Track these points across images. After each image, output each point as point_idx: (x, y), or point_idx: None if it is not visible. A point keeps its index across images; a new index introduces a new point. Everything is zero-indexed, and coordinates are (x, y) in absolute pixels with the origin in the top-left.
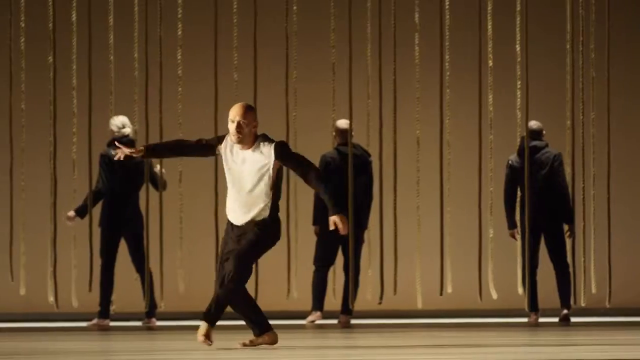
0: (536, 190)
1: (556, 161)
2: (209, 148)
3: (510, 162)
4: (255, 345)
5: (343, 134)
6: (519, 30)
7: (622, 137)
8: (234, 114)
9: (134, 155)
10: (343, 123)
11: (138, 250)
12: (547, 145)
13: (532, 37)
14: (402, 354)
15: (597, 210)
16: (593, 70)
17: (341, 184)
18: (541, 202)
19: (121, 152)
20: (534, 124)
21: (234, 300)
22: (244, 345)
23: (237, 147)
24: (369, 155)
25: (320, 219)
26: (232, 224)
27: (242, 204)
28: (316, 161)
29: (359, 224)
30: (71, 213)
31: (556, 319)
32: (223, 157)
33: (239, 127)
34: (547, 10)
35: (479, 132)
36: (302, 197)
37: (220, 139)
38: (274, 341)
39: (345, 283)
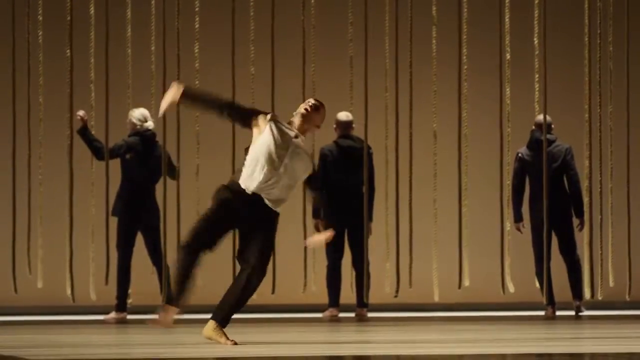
0: (547, 183)
1: (568, 154)
2: (252, 116)
3: (520, 154)
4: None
5: (343, 127)
6: (536, 24)
7: (639, 131)
8: (321, 119)
9: (174, 100)
10: (343, 115)
11: (155, 243)
12: (556, 139)
13: (550, 30)
14: (417, 348)
15: (614, 203)
16: (611, 64)
17: (340, 177)
18: (552, 195)
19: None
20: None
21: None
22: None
23: (291, 132)
24: (370, 147)
25: (319, 213)
26: (241, 193)
27: (277, 186)
28: (315, 154)
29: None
30: (83, 114)
31: (572, 312)
32: (270, 132)
33: (310, 109)
34: (565, 3)
35: (499, 125)
36: None
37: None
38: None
39: (357, 277)
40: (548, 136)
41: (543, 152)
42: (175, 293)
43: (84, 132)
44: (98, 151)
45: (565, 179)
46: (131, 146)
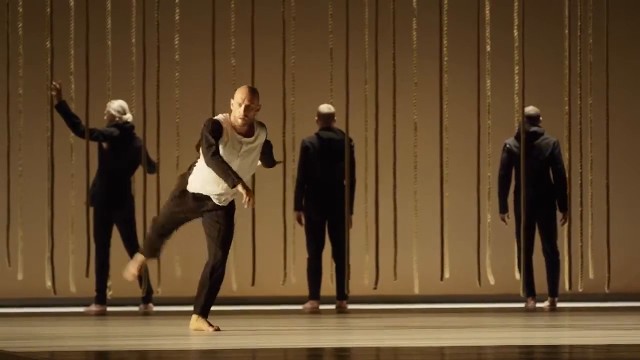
0: (533, 176)
1: (556, 148)
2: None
3: (508, 146)
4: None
5: (325, 119)
6: (516, 15)
7: (619, 123)
8: (243, 97)
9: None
10: (325, 108)
11: (129, 235)
12: (544, 132)
13: (530, 22)
14: (398, 340)
15: (594, 195)
16: (591, 56)
17: (321, 169)
18: (537, 188)
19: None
20: (531, 109)
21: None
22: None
23: (234, 130)
24: (351, 139)
25: (301, 205)
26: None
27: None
28: (296, 146)
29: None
30: (58, 85)
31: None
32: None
33: (246, 111)
34: None
35: (477, 117)
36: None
37: (217, 130)
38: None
39: (337, 269)
40: (536, 129)
41: (522, 143)
42: None
43: (62, 106)
44: (76, 126)
45: (551, 172)
46: (109, 136)
